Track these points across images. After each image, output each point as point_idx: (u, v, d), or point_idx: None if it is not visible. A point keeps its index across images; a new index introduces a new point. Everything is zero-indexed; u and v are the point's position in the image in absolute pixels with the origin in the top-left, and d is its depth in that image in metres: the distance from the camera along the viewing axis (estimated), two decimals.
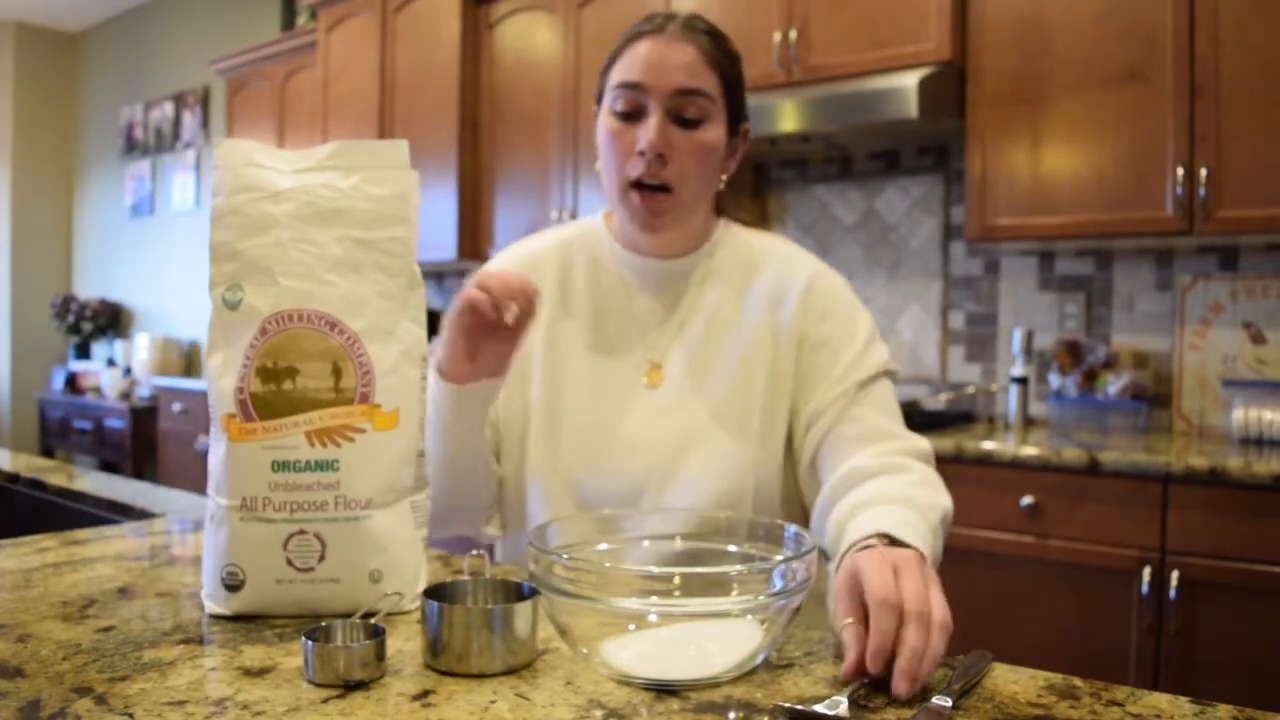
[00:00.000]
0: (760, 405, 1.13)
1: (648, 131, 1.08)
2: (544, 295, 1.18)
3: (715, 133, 1.12)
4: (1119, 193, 2.34)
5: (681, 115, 1.10)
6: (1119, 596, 2.06)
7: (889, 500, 0.96)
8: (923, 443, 1.12)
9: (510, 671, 0.69)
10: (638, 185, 1.11)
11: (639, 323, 1.18)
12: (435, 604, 0.70)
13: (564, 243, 1.23)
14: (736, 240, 1.22)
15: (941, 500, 1.04)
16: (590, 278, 1.20)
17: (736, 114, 1.16)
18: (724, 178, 1.19)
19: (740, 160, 1.21)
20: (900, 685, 0.67)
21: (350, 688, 0.66)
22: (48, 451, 5.95)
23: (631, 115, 1.11)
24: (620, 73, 1.12)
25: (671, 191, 1.11)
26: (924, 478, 1.06)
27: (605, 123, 1.13)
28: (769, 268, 1.19)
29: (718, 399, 1.14)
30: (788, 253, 1.22)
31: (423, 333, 0.87)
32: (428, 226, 3.58)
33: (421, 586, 0.85)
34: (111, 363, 6.00)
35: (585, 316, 1.19)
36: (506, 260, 1.24)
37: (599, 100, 1.17)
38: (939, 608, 0.72)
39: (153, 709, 0.62)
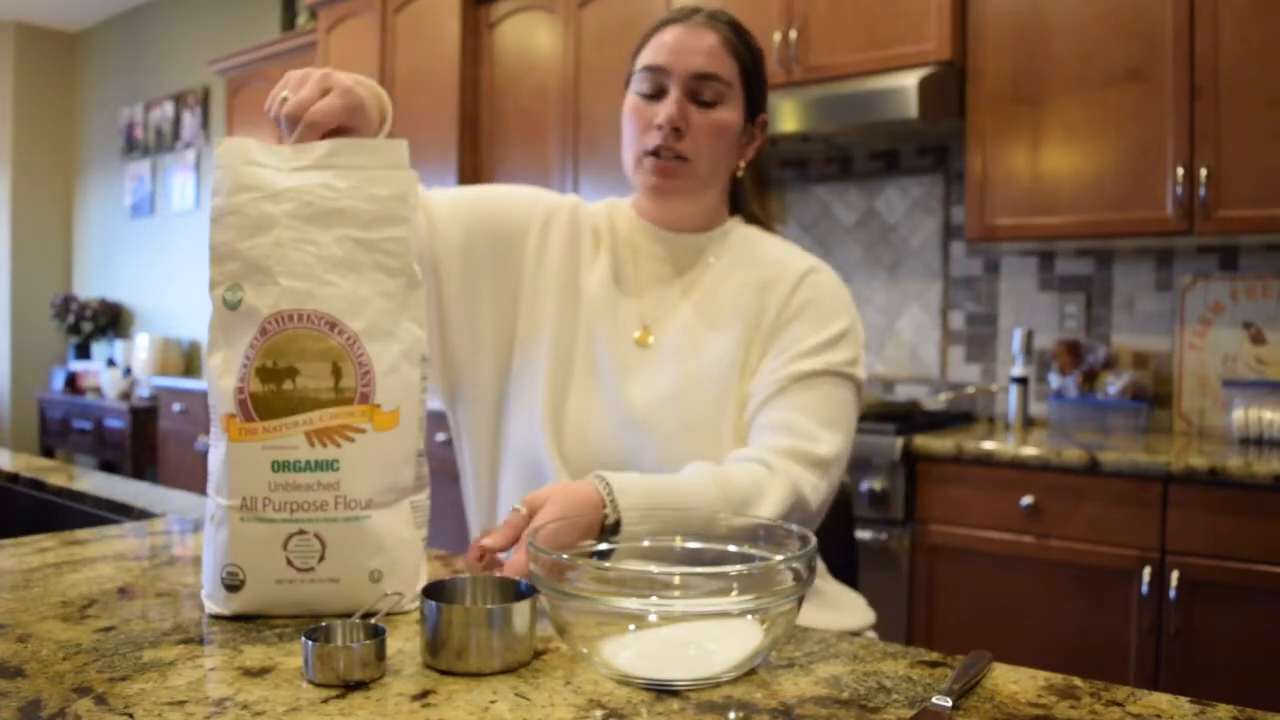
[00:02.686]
0: (739, 377, 1.17)
1: (666, 107, 1.16)
2: (556, 252, 1.22)
3: (730, 114, 1.19)
4: (1119, 193, 2.34)
5: (699, 96, 1.18)
6: (1119, 596, 2.06)
7: (687, 472, 1.05)
8: (824, 450, 1.10)
9: (509, 670, 0.69)
10: (655, 154, 1.17)
11: (642, 288, 1.23)
12: (433, 603, 0.70)
13: (580, 205, 1.28)
14: (747, 234, 1.28)
15: (759, 506, 1.03)
16: (607, 242, 1.26)
17: (754, 104, 1.23)
18: (741, 164, 1.26)
19: (758, 151, 1.27)
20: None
21: (350, 688, 0.66)
22: (48, 451, 5.95)
23: (653, 95, 1.19)
24: (646, 57, 1.20)
25: (686, 161, 1.18)
26: (771, 482, 1.05)
27: (629, 101, 1.21)
28: (774, 260, 1.24)
29: (699, 366, 1.18)
30: (797, 252, 1.27)
31: (423, 333, 0.87)
32: None
33: (421, 586, 0.84)
34: (111, 363, 5.99)
35: (599, 275, 1.23)
36: (530, 190, 1.28)
37: (627, 84, 1.24)
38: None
39: (153, 709, 0.62)
